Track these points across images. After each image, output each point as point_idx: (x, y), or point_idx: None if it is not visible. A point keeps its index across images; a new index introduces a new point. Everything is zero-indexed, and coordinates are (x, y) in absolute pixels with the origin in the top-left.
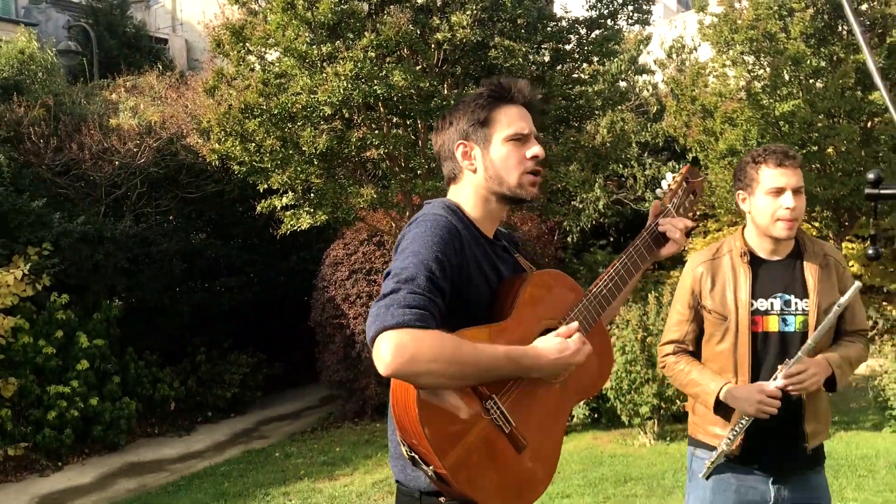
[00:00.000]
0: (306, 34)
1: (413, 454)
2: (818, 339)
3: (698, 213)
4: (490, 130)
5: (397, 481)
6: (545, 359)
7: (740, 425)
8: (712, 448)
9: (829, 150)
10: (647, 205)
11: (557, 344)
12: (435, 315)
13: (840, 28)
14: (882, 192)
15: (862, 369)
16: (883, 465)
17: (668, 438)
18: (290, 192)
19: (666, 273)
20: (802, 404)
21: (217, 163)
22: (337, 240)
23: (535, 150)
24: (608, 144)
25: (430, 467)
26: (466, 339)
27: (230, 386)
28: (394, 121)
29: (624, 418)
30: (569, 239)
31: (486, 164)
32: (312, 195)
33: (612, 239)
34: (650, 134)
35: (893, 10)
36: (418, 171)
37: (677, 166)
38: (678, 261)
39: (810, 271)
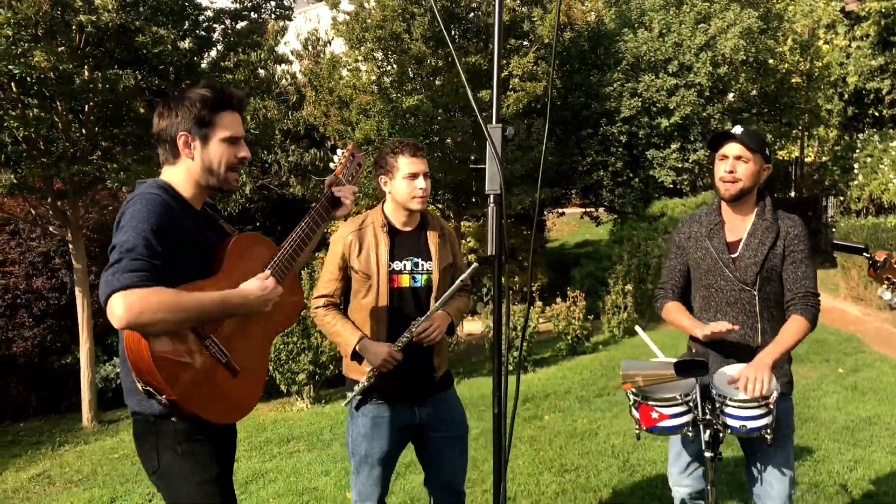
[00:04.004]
0: None
1: (148, 388)
2: (443, 304)
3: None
4: (211, 131)
5: (134, 412)
6: (250, 296)
7: (371, 374)
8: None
9: (448, 140)
10: (291, 190)
11: (258, 283)
12: (154, 275)
13: (453, 33)
14: (479, 166)
15: (478, 327)
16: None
17: (324, 401)
18: None
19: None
20: (431, 346)
21: None
22: None
23: (244, 152)
24: (252, 131)
25: (163, 396)
26: (186, 290)
27: None
28: (29, 102)
29: (283, 387)
30: None
31: (203, 157)
32: None
33: (258, 224)
34: (292, 122)
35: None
36: (60, 155)
37: (319, 153)
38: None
39: (432, 240)
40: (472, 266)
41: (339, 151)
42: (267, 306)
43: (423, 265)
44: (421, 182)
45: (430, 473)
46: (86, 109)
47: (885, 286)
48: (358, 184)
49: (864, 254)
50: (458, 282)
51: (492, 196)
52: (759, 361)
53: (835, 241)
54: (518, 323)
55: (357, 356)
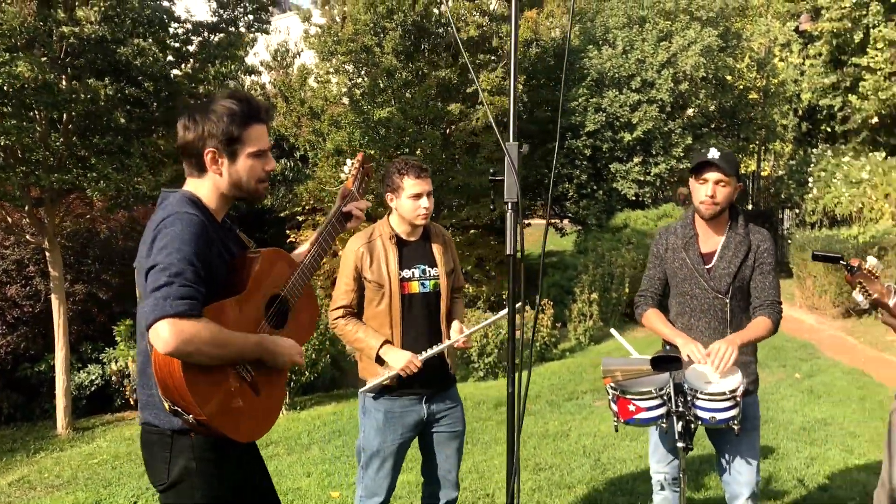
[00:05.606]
0: None
1: (175, 408)
2: (481, 327)
3: (307, 207)
4: (239, 147)
5: (150, 424)
6: (280, 353)
7: (392, 373)
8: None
9: (418, 151)
10: (265, 201)
11: (291, 346)
12: (201, 303)
13: (423, 47)
14: (498, 178)
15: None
16: (470, 405)
17: (299, 407)
18: None
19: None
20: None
21: None
22: None
23: (271, 164)
24: None
25: (191, 416)
26: (219, 312)
27: None
28: (5, 111)
29: None
30: None
31: (231, 172)
32: None
33: None
34: None
35: (463, 36)
36: (38, 164)
37: (289, 163)
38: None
39: (436, 248)
40: (504, 311)
41: (348, 162)
42: (288, 367)
43: (429, 271)
44: (424, 202)
45: (428, 464)
46: (64, 118)
47: (857, 289)
48: (366, 194)
49: (841, 261)
50: (493, 318)
51: (510, 203)
52: (729, 339)
53: (815, 252)
54: (488, 331)
55: (380, 360)
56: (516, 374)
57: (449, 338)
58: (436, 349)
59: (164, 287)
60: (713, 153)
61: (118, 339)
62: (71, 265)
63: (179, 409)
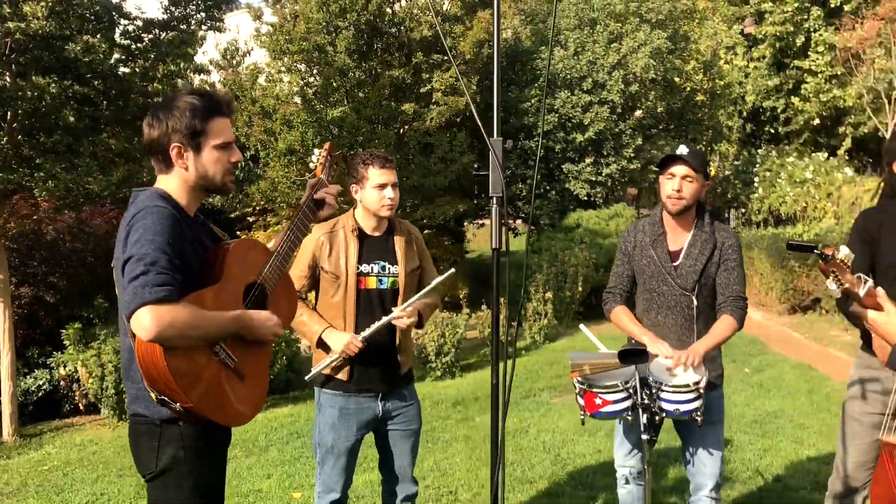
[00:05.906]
0: None
1: (162, 397)
2: (418, 298)
3: (258, 207)
4: (203, 139)
5: (139, 415)
6: (258, 327)
7: (335, 355)
8: (327, 376)
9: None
10: (211, 200)
11: (267, 317)
12: (178, 290)
13: (376, 47)
14: (482, 174)
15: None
16: (428, 404)
17: None
18: None
19: None
20: (396, 345)
21: None
22: None
23: (237, 156)
24: None
25: (177, 404)
26: (197, 302)
27: None
28: None
29: None
30: None
31: (197, 166)
32: None
33: None
34: None
35: (416, 36)
36: None
37: (239, 164)
38: None
39: (399, 245)
40: (450, 271)
41: (316, 151)
42: (270, 337)
43: (389, 268)
44: (389, 192)
45: (386, 461)
46: (9, 117)
47: (831, 278)
48: (335, 180)
49: (815, 251)
50: (434, 282)
51: (494, 199)
52: (692, 348)
53: (790, 242)
54: (445, 330)
55: (322, 345)
56: (500, 366)
57: (400, 328)
58: (376, 325)
59: (140, 276)
60: (682, 149)
61: (67, 342)
62: (16, 267)
63: (166, 399)
